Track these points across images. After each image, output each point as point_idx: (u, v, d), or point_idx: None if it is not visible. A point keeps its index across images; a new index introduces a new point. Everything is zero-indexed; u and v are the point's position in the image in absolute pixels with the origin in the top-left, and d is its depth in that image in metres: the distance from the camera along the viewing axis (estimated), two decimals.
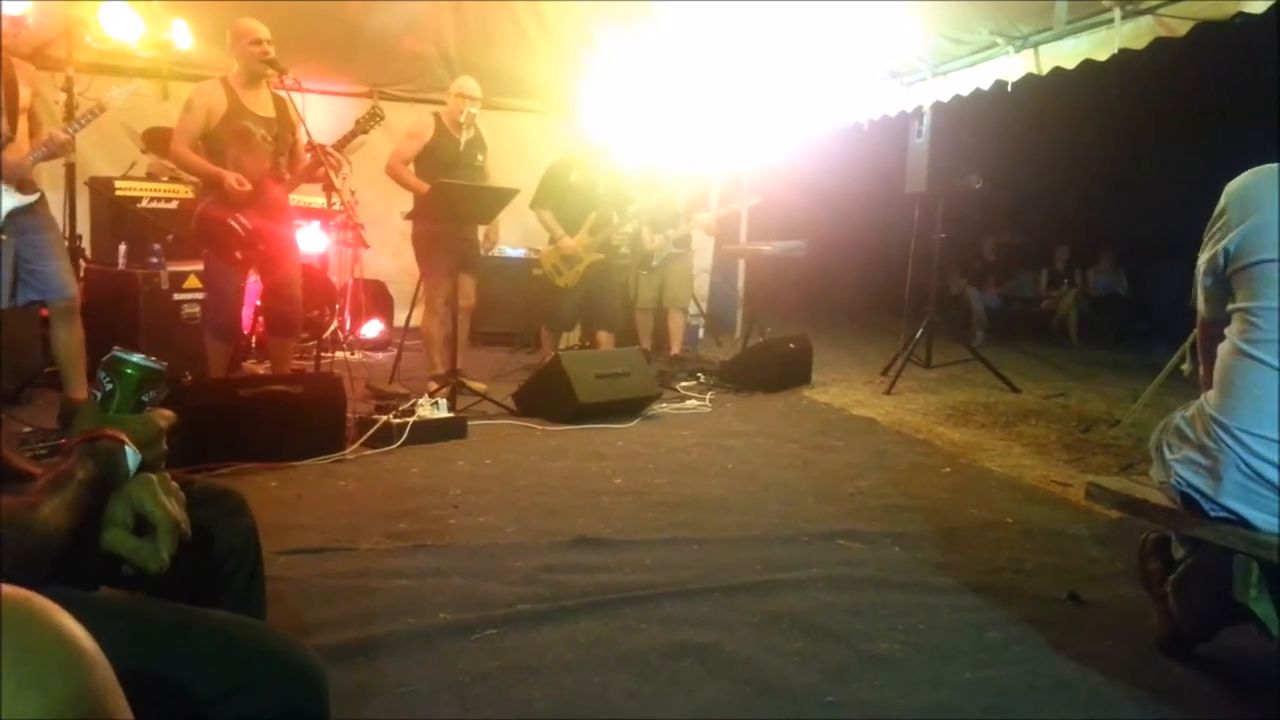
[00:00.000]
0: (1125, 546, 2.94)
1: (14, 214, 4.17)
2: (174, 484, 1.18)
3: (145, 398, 1.18)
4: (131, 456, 1.12)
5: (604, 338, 6.35)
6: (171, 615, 1.06)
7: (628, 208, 6.45)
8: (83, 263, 5.75)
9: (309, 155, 4.77)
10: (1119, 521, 3.40)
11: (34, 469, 1.24)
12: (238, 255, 4.66)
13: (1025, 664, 2.31)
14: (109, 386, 1.17)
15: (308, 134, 4.79)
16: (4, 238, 4.15)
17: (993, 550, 3.17)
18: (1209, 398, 2.03)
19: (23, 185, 4.19)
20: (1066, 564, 3.06)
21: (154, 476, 1.14)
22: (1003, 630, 2.50)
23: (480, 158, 5.73)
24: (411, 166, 5.60)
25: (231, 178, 4.52)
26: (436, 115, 5.71)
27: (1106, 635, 2.50)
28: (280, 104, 4.79)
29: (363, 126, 4.92)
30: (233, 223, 4.57)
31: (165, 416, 1.20)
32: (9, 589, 0.62)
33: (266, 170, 4.69)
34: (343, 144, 4.87)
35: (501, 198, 5.39)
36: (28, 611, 0.61)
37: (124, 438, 1.12)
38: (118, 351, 1.19)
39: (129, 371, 1.17)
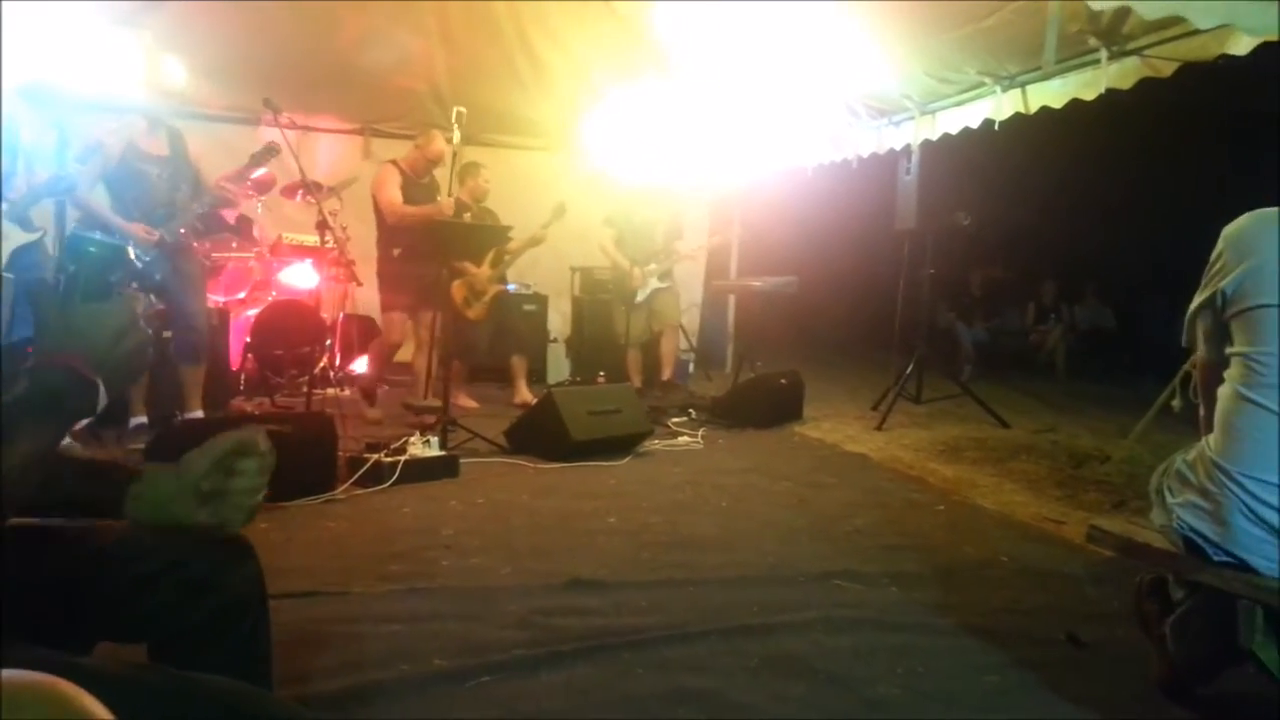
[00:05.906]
0: (1122, 585, 2.93)
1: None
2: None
3: (113, 278, 1.12)
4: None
5: (519, 363, 6.57)
6: (171, 684, 1.02)
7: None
8: None
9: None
10: (1114, 560, 3.36)
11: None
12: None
13: (1024, 708, 2.30)
14: (71, 269, 1.10)
15: (301, 171, 4.79)
16: None
17: (990, 590, 3.16)
18: (1210, 441, 2.02)
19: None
20: (1063, 604, 3.04)
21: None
22: (1001, 674, 2.48)
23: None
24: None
25: None
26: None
27: (1105, 677, 2.48)
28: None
29: (257, 161, 4.77)
30: None
31: (137, 299, 1.11)
32: (35, 675, 0.60)
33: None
34: (236, 178, 4.78)
35: (496, 236, 5.42)
36: (56, 696, 0.60)
37: (76, 364, 1.05)
38: (77, 230, 1.12)
39: (91, 250, 1.12)
